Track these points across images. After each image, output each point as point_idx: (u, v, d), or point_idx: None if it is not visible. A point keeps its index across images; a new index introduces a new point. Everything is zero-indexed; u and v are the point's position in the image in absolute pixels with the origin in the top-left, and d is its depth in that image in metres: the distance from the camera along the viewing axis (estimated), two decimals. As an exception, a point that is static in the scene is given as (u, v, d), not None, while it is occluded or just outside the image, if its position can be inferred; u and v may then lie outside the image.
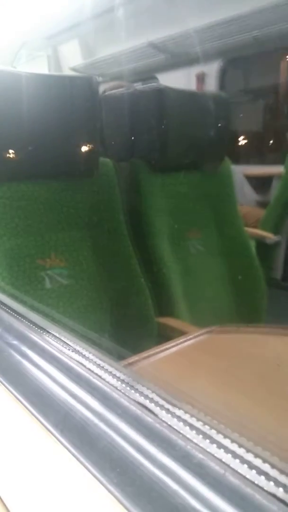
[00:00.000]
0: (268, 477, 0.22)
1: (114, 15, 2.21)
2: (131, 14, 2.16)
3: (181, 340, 0.54)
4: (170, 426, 0.27)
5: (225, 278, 1.29)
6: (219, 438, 0.25)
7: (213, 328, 0.59)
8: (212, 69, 2.36)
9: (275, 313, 1.33)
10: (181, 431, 0.26)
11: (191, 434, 0.26)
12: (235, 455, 0.24)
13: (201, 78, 2.39)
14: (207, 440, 0.25)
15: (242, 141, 2.61)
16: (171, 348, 0.52)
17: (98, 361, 0.34)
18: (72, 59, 2.86)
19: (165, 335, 0.96)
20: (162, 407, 0.28)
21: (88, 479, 0.26)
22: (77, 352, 0.36)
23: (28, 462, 0.31)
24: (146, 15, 2.19)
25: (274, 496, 0.21)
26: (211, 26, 2.00)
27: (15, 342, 0.41)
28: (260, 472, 0.23)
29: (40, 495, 0.28)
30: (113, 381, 0.32)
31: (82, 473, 0.27)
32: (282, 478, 0.22)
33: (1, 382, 0.37)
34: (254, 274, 1.30)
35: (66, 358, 0.36)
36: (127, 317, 0.99)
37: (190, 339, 0.55)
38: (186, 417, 0.27)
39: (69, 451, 0.29)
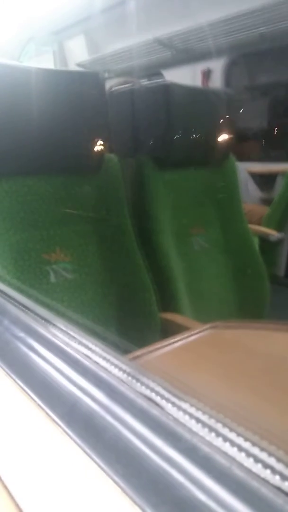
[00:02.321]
0: (273, 470, 0.22)
1: (120, 11, 2.20)
2: (137, 9, 2.15)
3: (186, 335, 0.54)
4: (176, 419, 0.27)
5: (228, 274, 1.29)
6: (225, 431, 0.25)
7: (217, 323, 0.60)
8: (217, 65, 2.34)
9: (278, 309, 1.33)
10: (187, 424, 0.26)
11: (196, 427, 0.26)
12: (240, 448, 0.24)
13: (206, 74, 2.38)
14: (213, 434, 0.25)
15: (247, 138, 2.60)
16: (176, 342, 0.53)
17: (104, 354, 0.34)
18: (78, 55, 2.85)
19: (168, 331, 0.97)
20: (168, 400, 0.28)
21: (94, 470, 0.27)
22: (83, 345, 0.36)
23: (34, 453, 0.31)
24: (152, 10, 2.18)
25: (279, 489, 0.22)
26: (217, 22, 1.99)
27: (21, 335, 0.41)
28: (266, 465, 0.23)
29: (46, 486, 0.28)
30: (119, 374, 0.32)
31: (88, 464, 0.27)
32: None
33: (8, 374, 0.38)
34: (257, 270, 1.30)
35: (72, 351, 0.36)
36: (131, 312, 1.00)
37: (195, 334, 0.56)
38: (192, 410, 0.27)
39: (76, 442, 0.29)
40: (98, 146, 1.01)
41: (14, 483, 0.29)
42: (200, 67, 2.41)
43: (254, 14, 1.87)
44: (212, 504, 0.22)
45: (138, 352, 0.48)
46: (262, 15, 1.87)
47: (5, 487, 0.29)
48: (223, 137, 1.29)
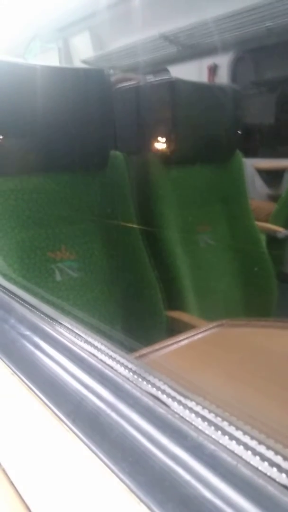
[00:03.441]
0: (280, 469, 0.22)
1: (125, 7, 2.19)
2: (142, 5, 2.14)
3: (192, 333, 0.54)
4: (182, 417, 0.27)
5: (235, 272, 1.28)
6: (231, 430, 0.25)
7: (224, 321, 0.59)
8: (224, 61, 2.33)
9: (286, 308, 1.32)
10: (193, 423, 0.26)
11: (203, 425, 0.26)
12: (247, 447, 0.24)
13: (213, 70, 2.37)
14: (219, 432, 0.25)
15: (254, 134, 2.58)
16: (182, 341, 0.53)
17: (110, 353, 0.34)
18: (83, 52, 2.84)
19: (174, 329, 0.97)
20: (174, 398, 0.28)
21: (100, 468, 0.27)
22: (89, 343, 0.36)
23: (40, 450, 0.31)
24: (158, 6, 2.16)
25: (286, 487, 0.21)
26: (223, 17, 1.97)
27: (27, 333, 0.41)
28: (272, 464, 0.23)
29: (52, 483, 0.28)
30: (125, 372, 0.32)
31: (94, 462, 0.27)
32: (294, 470, 0.22)
33: (15, 372, 0.38)
34: (264, 268, 1.29)
35: (78, 349, 0.36)
36: (137, 310, 1.00)
37: (201, 332, 0.56)
38: (198, 408, 0.27)
39: (82, 440, 0.29)
40: (104, 144, 1.00)
41: (20, 480, 0.29)
42: (206, 62, 2.39)
43: (261, 8, 1.85)
44: (218, 502, 0.22)
45: (144, 351, 0.48)
46: (269, 9, 1.85)
47: (12, 484, 0.29)
48: (229, 134, 1.28)
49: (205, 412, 0.27)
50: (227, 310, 1.23)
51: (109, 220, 1.01)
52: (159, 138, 1.16)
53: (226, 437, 0.25)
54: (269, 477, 0.22)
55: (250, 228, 1.31)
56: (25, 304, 0.47)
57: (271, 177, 2.35)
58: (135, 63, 2.56)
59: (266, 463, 0.23)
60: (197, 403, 0.28)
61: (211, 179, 1.26)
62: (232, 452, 0.24)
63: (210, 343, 0.55)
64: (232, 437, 0.25)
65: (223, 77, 2.35)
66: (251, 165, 2.30)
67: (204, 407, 0.27)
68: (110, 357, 0.34)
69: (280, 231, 1.67)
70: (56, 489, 0.28)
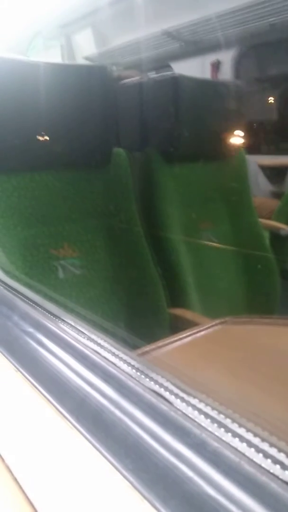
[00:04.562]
0: (283, 466, 0.22)
1: (128, 3, 2.18)
2: (145, 1, 2.13)
3: (194, 331, 0.54)
4: (185, 414, 0.27)
5: (238, 269, 1.28)
6: (234, 427, 0.25)
7: (227, 319, 0.59)
8: (227, 57, 2.32)
9: (288, 305, 1.32)
10: (196, 420, 0.26)
11: (206, 422, 0.26)
12: (250, 444, 0.24)
13: (216, 66, 2.36)
14: (222, 429, 0.25)
15: (257, 131, 2.57)
16: (185, 338, 0.53)
17: (113, 350, 0.34)
18: (85, 48, 2.84)
19: (177, 326, 0.97)
20: (177, 395, 0.28)
21: (104, 465, 0.27)
22: (92, 340, 0.36)
23: (45, 447, 0.31)
24: (160, 2, 2.15)
25: (289, 485, 0.22)
26: (225, 13, 1.96)
27: (31, 330, 0.41)
28: (276, 461, 0.23)
29: (56, 480, 0.29)
30: (128, 369, 0.32)
31: (98, 458, 0.27)
32: (297, 468, 0.22)
33: (18, 369, 0.38)
34: (267, 266, 1.29)
35: (81, 346, 0.36)
36: (140, 307, 1.00)
37: (204, 329, 0.56)
38: (201, 406, 0.27)
39: (85, 437, 0.29)
40: (107, 141, 1.00)
41: (24, 477, 0.30)
42: (209, 59, 2.38)
43: (264, 4, 1.84)
44: (221, 498, 0.22)
45: (147, 348, 0.49)
46: (272, 4, 1.84)
47: (16, 480, 0.29)
48: (232, 130, 1.27)
49: (208, 409, 0.27)
50: (230, 307, 1.23)
51: (112, 217, 1.01)
52: (162, 135, 1.15)
53: (229, 434, 0.25)
54: (272, 474, 0.22)
55: (253, 225, 1.31)
56: (28, 301, 0.47)
57: (275, 174, 2.34)
58: (138, 59, 2.55)
59: (269, 460, 0.23)
60: (200, 400, 0.28)
61: (214, 176, 1.26)
62: (235, 449, 0.24)
63: (213, 340, 0.55)
64: (235, 434, 0.25)
65: (226, 74, 2.34)
66: (255, 161, 2.29)
67: (207, 404, 0.27)
68: (113, 354, 0.34)
69: (284, 228, 1.66)
70: (60, 485, 0.28)
